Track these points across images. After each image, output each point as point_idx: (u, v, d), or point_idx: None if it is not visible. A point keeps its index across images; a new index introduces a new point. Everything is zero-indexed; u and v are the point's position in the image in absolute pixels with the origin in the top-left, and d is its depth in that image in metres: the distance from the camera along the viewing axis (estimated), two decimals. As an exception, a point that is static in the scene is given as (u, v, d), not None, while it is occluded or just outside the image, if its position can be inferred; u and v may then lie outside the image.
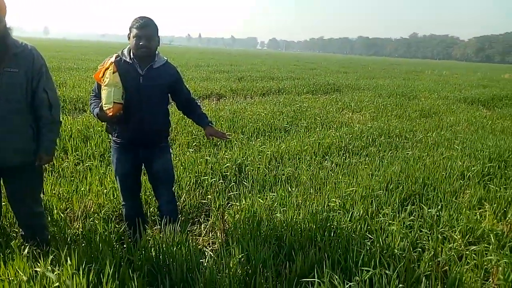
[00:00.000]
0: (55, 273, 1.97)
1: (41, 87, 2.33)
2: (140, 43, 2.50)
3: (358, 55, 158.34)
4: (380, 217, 2.99)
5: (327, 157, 4.84)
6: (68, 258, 2.02)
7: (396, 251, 2.49)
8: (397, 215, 3.08)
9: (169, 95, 2.78)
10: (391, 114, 8.35)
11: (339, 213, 3.03)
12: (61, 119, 2.53)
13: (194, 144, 5.20)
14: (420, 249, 2.64)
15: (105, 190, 3.41)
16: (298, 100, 10.01)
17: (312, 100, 10.25)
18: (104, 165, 4.15)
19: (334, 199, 3.27)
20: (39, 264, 2.05)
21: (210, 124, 2.85)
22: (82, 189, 3.39)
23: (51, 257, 2.10)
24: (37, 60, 2.33)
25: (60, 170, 3.99)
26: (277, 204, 3.18)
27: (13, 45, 2.25)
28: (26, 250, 2.12)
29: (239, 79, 15.22)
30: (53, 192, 3.28)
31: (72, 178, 3.74)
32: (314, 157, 4.75)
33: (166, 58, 2.70)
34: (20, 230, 2.58)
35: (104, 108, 2.48)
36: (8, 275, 1.94)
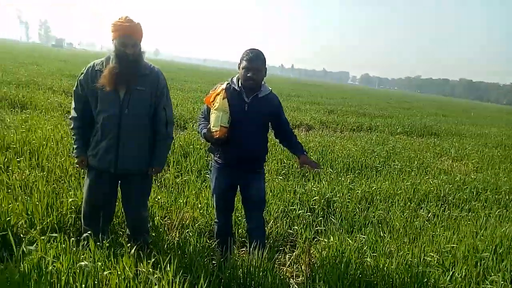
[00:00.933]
0: (156, 276, 2.12)
1: (161, 106, 2.63)
2: (248, 75, 2.68)
3: (459, 98, 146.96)
4: (487, 284, 2.67)
5: (423, 205, 4.51)
6: (168, 264, 2.16)
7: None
8: (510, 286, 2.72)
9: (269, 123, 2.91)
10: (499, 167, 7.51)
11: (437, 270, 2.78)
12: (173, 135, 2.80)
13: (283, 172, 5.27)
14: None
15: (200, 205, 3.62)
16: (391, 140, 9.58)
17: (407, 141, 9.73)
18: (200, 181, 4.41)
19: (431, 253, 3.02)
20: (141, 265, 2.24)
21: (304, 153, 2.89)
22: (180, 201, 3.64)
23: (152, 259, 2.27)
24: (161, 81, 2.64)
25: (162, 180, 4.34)
26: (367, 247, 3.04)
27: (144, 66, 2.58)
28: (133, 250, 2.32)
29: (330, 112, 15.16)
30: (155, 200, 3.57)
31: (172, 190, 4.04)
32: (408, 203, 4.47)
33: (270, 89, 2.84)
34: (127, 230, 2.85)
35: (212, 130, 2.68)
36: (117, 269, 2.14)
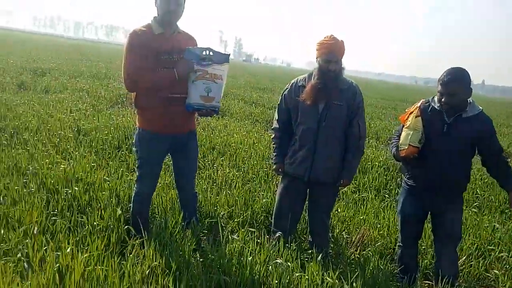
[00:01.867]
0: (344, 288, 2.18)
1: (356, 120, 2.71)
2: (442, 100, 2.48)
3: None
4: None
5: None
6: (355, 280, 2.20)
7: None
8: None
9: (475, 147, 2.60)
10: None
11: None
12: (364, 150, 2.83)
13: (475, 203, 4.63)
14: None
15: (379, 225, 3.54)
16: None
17: None
18: (378, 200, 4.31)
19: None
20: (326, 274, 2.33)
21: None
22: (360, 217, 3.63)
23: (338, 271, 2.34)
24: (358, 97, 2.73)
25: (340, 193, 4.42)
26: None
27: (342, 82, 2.70)
28: (319, 257, 2.45)
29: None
30: (335, 213, 3.67)
31: (350, 205, 4.07)
32: None
33: (481, 108, 2.53)
34: (309, 237, 3.02)
35: (400, 148, 2.61)
36: (307, 273, 2.30)
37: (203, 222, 3.11)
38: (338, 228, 3.42)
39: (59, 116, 5.63)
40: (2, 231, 2.35)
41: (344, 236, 3.30)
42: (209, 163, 4.75)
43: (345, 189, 4.57)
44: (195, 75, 2.43)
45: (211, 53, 2.46)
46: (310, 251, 2.79)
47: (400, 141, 2.63)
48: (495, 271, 3.02)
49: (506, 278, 2.90)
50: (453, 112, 2.51)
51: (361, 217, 3.66)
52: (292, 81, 2.87)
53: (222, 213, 3.36)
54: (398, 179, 5.08)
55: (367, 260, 2.82)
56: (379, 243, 3.21)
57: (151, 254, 2.27)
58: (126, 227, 2.65)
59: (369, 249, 3.05)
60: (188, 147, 2.73)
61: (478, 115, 2.51)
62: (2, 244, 2.24)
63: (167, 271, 2.19)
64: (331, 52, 2.62)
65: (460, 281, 2.91)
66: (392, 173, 5.36)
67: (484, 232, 3.58)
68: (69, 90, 8.70)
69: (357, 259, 2.91)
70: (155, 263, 2.22)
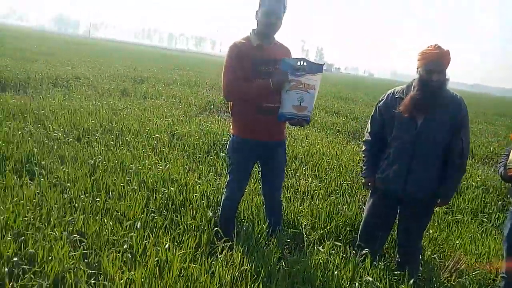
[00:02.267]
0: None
1: (459, 135, 2.50)
2: None
3: None
4: None
5: None
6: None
7: None
8: None
9: None
10: None
11: None
12: (466, 168, 2.60)
13: None
14: None
15: (477, 252, 3.23)
16: None
17: None
18: (475, 224, 3.94)
19: None
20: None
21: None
22: (456, 242, 3.35)
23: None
24: (463, 111, 2.52)
25: (431, 213, 4.13)
26: None
27: (445, 95, 2.52)
28: (411, 281, 2.32)
29: None
30: (427, 233, 3.43)
31: (442, 227, 3.78)
32: None
33: None
34: (397, 256, 2.87)
35: (508, 167, 2.40)
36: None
37: (287, 231, 3.14)
38: (430, 251, 3.19)
39: (156, 121, 6.16)
40: (111, 223, 2.63)
41: (437, 260, 3.07)
42: (291, 172, 4.78)
43: (437, 209, 4.26)
44: (289, 85, 2.49)
45: (305, 64, 2.50)
46: (398, 272, 2.66)
47: (509, 159, 2.40)
48: None
49: None
50: None
51: (456, 241, 3.37)
52: (388, 92, 2.76)
53: (305, 224, 3.36)
54: (499, 202, 4.59)
55: (463, 288, 2.60)
56: (477, 271, 2.93)
57: (239, 257, 2.36)
58: (215, 229, 2.79)
59: (466, 277, 2.79)
60: (277, 156, 2.79)
61: None
62: (110, 236, 2.51)
63: (255, 276, 2.26)
64: (434, 61, 2.45)
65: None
66: (492, 195, 4.86)
67: None
68: (164, 97, 9.45)
69: (451, 286, 2.69)
70: (244, 267, 2.30)
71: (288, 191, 4.09)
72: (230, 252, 2.45)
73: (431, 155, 2.54)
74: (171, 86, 12.11)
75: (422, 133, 2.51)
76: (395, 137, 2.64)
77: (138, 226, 2.51)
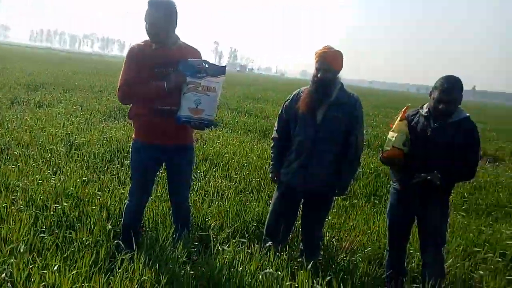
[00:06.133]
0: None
1: (354, 132, 2.72)
2: (440, 107, 2.52)
3: None
4: None
5: None
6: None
7: None
8: None
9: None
10: None
11: None
12: (360, 162, 2.86)
13: (463, 207, 4.68)
14: None
15: (369, 231, 3.57)
16: None
17: None
18: (368, 206, 4.35)
19: None
20: (316, 281, 2.36)
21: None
22: (351, 224, 3.67)
23: (327, 278, 2.37)
24: (357, 109, 2.74)
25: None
26: None
27: (342, 94, 2.72)
28: (309, 265, 2.48)
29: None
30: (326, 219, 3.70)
31: (341, 212, 4.11)
32: None
33: (467, 115, 2.57)
34: (301, 245, 3.04)
35: (383, 150, 2.69)
36: (297, 282, 2.33)
37: (194, 234, 3.13)
38: (329, 235, 3.45)
39: (51, 131, 5.65)
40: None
41: (335, 243, 3.33)
42: (201, 174, 4.77)
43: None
44: (186, 87, 2.46)
45: (206, 65, 2.49)
46: (300, 259, 2.82)
47: (385, 144, 2.70)
48: (480, 271, 3.07)
49: (489, 278, 2.95)
50: (440, 118, 2.56)
51: (352, 224, 3.70)
52: (295, 91, 2.89)
53: (213, 225, 3.39)
54: (389, 185, 5.13)
55: (356, 266, 2.85)
56: (368, 249, 3.25)
57: (140, 268, 2.28)
58: (116, 241, 2.67)
59: (358, 255, 3.08)
60: (181, 160, 2.73)
61: (463, 120, 2.56)
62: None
63: (157, 285, 2.21)
64: (322, 60, 2.64)
65: (447, 282, 2.95)
66: (383, 179, 5.42)
67: (471, 234, 3.63)
68: (62, 104, 8.72)
69: (346, 265, 2.94)
70: (144, 277, 2.23)
71: (198, 193, 4.07)
72: (132, 265, 2.36)
73: (329, 151, 2.72)
74: (71, 92, 11.22)
75: (320, 130, 2.68)
76: (297, 134, 2.78)
77: (22, 250, 2.28)
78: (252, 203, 3.88)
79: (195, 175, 4.71)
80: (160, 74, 2.50)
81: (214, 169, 5.01)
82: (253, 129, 8.70)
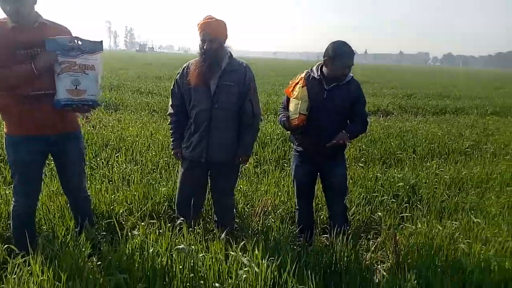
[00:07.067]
0: (245, 258, 2.24)
1: (248, 99, 2.73)
2: (341, 73, 2.67)
3: None
4: None
5: (523, 190, 4.08)
6: (256, 248, 2.27)
7: None
8: None
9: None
10: None
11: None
12: (259, 127, 2.89)
13: (362, 159, 5.14)
14: None
15: (280, 193, 3.71)
16: (481, 122, 8.77)
17: (500, 122, 8.82)
18: (278, 170, 4.50)
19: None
20: (231, 249, 2.37)
21: (348, 134, 2.70)
22: (262, 189, 3.76)
23: (241, 244, 2.40)
24: (248, 76, 2.75)
25: (243, 170, 4.52)
26: (459, 234, 2.86)
27: (232, 63, 2.71)
28: (222, 235, 2.47)
29: (408, 96, 14.31)
30: (238, 188, 3.74)
31: (252, 179, 4.19)
32: (505, 187, 4.08)
33: (351, 75, 2.77)
34: (215, 216, 3.03)
35: (291, 118, 2.74)
36: (211, 252, 2.31)
37: (100, 224, 2.91)
38: (242, 203, 3.50)
39: None
40: None
41: (248, 210, 3.39)
42: (102, 162, 4.43)
43: (247, 165, 4.69)
44: (59, 68, 2.20)
45: (79, 42, 2.25)
46: (215, 231, 2.81)
47: (291, 112, 2.75)
48: (378, 213, 3.41)
49: (387, 217, 3.30)
50: (332, 81, 2.70)
51: (263, 189, 3.79)
52: (184, 65, 2.80)
53: (121, 211, 3.19)
54: (285, 148, 5.36)
55: (269, 227, 2.94)
56: (280, 210, 3.37)
57: (38, 269, 2.04)
58: (5, 246, 2.35)
59: (271, 216, 3.18)
60: (68, 150, 2.48)
61: (351, 81, 2.75)
62: None
63: (58, 283, 2.00)
64: (205, 31, 2.60)
65: (353, 228, 3.23)
66: (290, 143, 5.64)
67: (369, 182, 4.00)
68: None
69: (260, 228, 3.02)
70: (41, 277, 2.01)
71: (100, 182, 3.77)
72: (28, 268, 2.09)
73: (227, 120, 2.70)
74: None
75: (215, 99, 2.65)
76: (193, 107, 2.72)
77: None
78: (161, 183, 3.73)
79: (96, 163, 4.35)
80: (25, 57, 2.18)
81: (116, 155, 4.68)
82: (158, 108, 8.33)
